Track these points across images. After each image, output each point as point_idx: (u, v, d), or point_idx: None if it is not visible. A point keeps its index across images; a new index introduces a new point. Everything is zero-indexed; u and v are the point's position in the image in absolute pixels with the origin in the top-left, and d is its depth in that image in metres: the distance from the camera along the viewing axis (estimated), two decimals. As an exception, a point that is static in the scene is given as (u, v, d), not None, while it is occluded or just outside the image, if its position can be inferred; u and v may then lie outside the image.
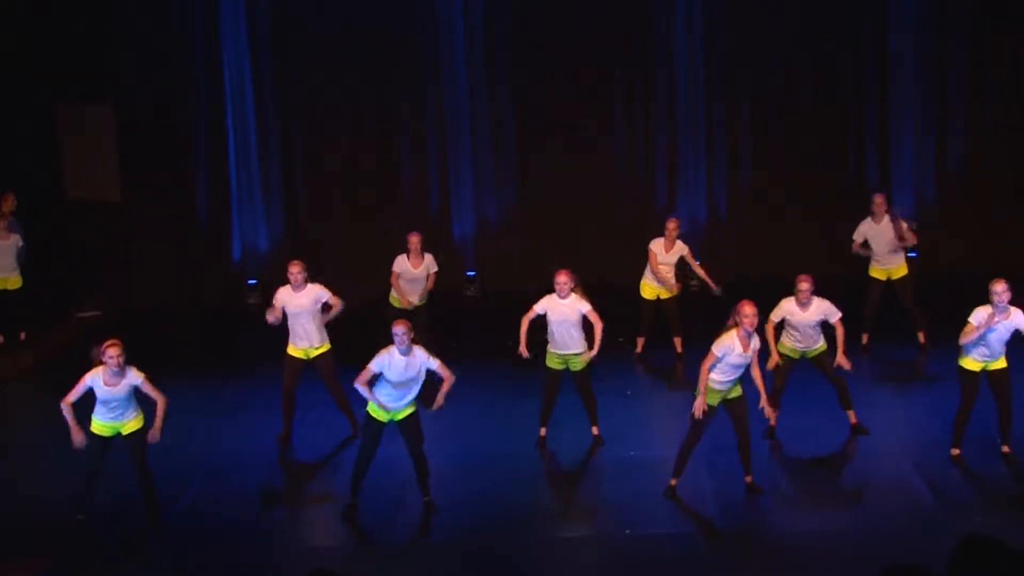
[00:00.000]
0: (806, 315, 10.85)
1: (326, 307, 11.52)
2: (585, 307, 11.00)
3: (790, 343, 11.06)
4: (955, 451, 10.60)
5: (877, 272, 13.47)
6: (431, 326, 13.19)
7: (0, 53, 15.98)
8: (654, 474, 10.46)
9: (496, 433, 11.81)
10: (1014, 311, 10.16)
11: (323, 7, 16.43)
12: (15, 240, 14.69)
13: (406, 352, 9.71)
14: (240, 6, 16.35)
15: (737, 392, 9.97)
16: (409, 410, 9.89)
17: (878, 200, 13.39)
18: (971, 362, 10.33)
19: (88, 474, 9.83)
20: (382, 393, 9.82)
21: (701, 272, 13.51)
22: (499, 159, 16.85)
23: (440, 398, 9.95)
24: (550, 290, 11.11)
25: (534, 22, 16.51)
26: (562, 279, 11.04)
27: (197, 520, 10.17)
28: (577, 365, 11.09)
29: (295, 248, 16.85)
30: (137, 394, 9.71)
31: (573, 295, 11.04)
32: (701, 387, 9.84)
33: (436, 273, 13.29)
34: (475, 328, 15.43)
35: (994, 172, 16.75)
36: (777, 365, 11.04)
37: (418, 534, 9.89)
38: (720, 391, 9.90)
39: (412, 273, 13.14)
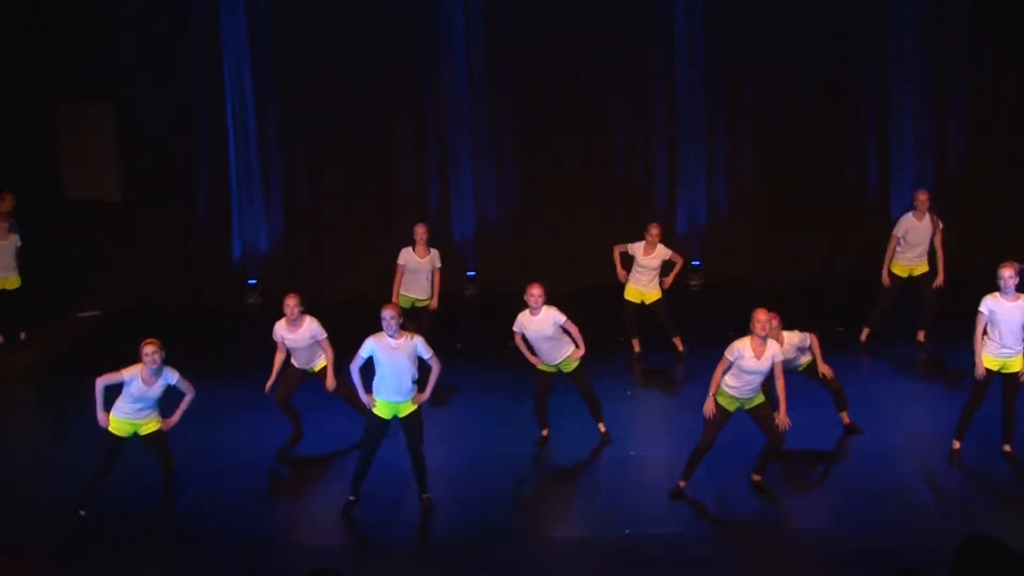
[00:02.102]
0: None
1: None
2: (560, 318, 10.75)
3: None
4: (956, 444, 10.57)
5: (900, 269, 13.41)
6: (435, 329, 13.21)
7: (0, 53, 15.97)
8: (654, 474, 10.46)
9: (496, 433, 11.79)
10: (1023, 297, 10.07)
11: (323, 7, 16.43)
12: (14, 240, 14.69)
13: (394, 335, 9.72)
14: (240, 6, 16.33)
15: (759, 399, 9.93)
16: (411, 407, 9.90)
17: (921, 197, 13.29)
18: (988, 359, 10.21)
19: (98, 471, 10.04)
20: (379, 387, 9.85)
21: (668, 280, 13.47)
22: (499, 159, 16.84)
23: (426, 391, 9.94)
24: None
25: (534, 22, 16.50)
26: (534, 292, 10.72)
27: (197, 520, 10.17)
28: (569, 366, 11.04)
29: (295, 248, 16.92)
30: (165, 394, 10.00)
31: (545, 307, 10.76)
32: (712, 388, 9.83)
33: (440, 270, 13.32)
34: (475, 328, 15.41)
35: (994, 172, 16.73)
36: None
37: (418, 534, 9.89)
38: (735, 397, 9.86)
39: (417, 263, 13.14)
